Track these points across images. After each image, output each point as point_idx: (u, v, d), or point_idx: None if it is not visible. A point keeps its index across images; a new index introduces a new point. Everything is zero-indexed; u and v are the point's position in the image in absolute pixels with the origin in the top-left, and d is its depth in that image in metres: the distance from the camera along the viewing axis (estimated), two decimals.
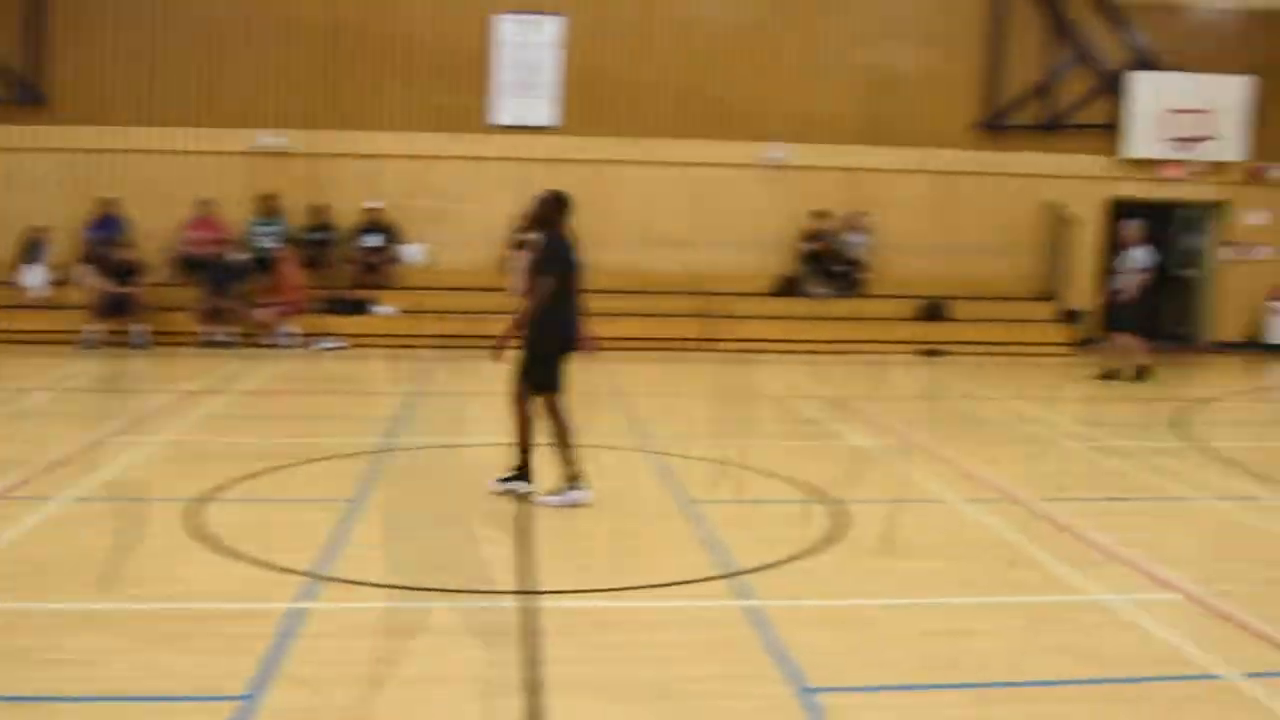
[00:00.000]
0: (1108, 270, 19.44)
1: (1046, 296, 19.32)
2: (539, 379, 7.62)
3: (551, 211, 7.76)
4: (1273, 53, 19.89)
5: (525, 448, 7.81)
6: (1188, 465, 9.84)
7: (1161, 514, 8.28)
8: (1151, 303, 15.83)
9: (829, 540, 6.99)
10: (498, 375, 7.95)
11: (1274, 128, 19.85)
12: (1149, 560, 6.71)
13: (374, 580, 6.05)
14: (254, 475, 8.40)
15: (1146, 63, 19.56)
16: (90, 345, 15.91)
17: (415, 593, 5.85)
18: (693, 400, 13.68)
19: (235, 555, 6.40)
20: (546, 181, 9.37)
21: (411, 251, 18.15)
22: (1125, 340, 15.33)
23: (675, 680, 4.86)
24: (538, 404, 7.67)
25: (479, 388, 12.03)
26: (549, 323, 7.58)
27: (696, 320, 17.17)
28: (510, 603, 5.72)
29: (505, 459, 7.92)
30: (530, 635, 5.26)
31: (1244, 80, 19.56)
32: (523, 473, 7.81)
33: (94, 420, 11.09)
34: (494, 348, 7.70)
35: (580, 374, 8.03)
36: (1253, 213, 20.41)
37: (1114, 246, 17.22)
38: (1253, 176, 20.24)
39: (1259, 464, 9.84)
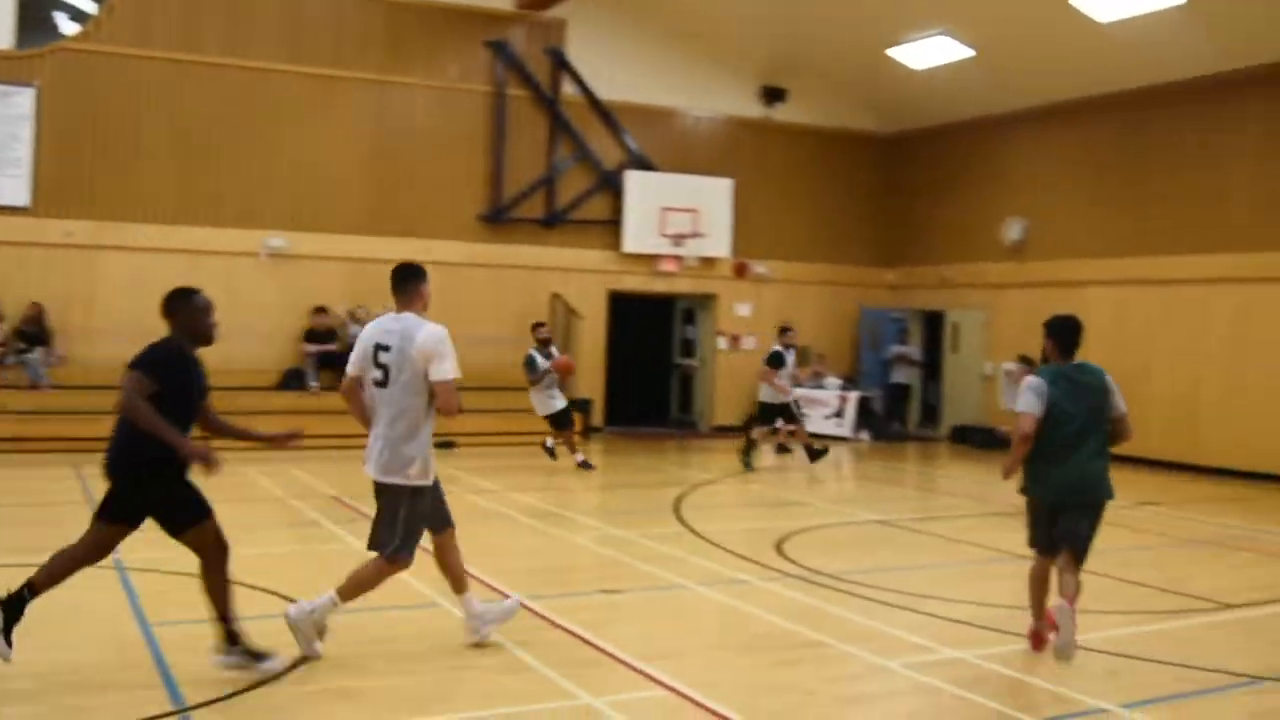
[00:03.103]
0: (610, 360, 20.34)
1: None
2: None
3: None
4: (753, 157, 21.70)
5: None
6: (682, 549, 9.95)
7: (654, 604, 8.20)
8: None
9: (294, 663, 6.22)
10: None
11: (754, 225, 21.37)
12: (638, 656, 6.51)
13: None
14: None
15: (641, 163, 20.59)
16: None
17: None
18: None
19: None
20: None
21: None
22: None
23: None
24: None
25: None
26: None
27: None
28: None
29: None
30: None
31: (727, 182, 20.97)
32: None
33: None
34: None
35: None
36: (740, 304, 21.80)
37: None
38: (738, 272, 21.64)
39: (742, 545, 10.14)
